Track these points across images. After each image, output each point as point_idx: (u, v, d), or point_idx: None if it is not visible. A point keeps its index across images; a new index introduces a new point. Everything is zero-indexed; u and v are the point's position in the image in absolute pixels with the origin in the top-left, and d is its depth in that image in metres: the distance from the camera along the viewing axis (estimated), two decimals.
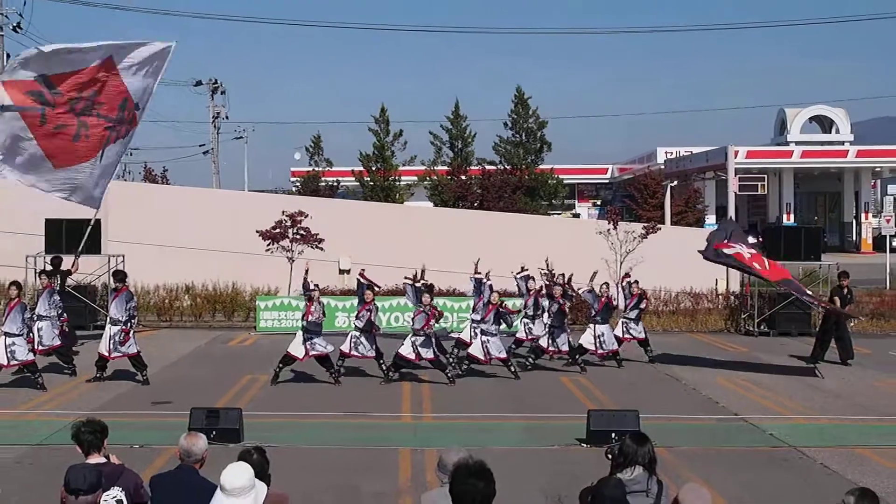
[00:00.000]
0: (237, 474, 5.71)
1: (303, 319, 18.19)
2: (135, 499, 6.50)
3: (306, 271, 18.59)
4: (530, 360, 20.04)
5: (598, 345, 20.21)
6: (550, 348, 19.90)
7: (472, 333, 19.36)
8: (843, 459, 12.87)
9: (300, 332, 18.05)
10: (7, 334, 17.17)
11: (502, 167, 64.96)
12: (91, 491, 5.64)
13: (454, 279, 26.10)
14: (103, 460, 6.50)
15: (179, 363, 20.87)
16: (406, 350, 18.20)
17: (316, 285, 18.38)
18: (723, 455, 13.20)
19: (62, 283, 22.67)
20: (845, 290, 21.96)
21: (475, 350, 18.81)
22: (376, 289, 19.15)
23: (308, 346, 17.80)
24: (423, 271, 19.58)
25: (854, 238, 69.96)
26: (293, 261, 25.93)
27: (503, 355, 18.81)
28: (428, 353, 18.25)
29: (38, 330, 17.94)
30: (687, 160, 69.58)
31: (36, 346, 17.82)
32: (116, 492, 6.33)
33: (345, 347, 18.43)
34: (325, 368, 18.13)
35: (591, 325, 20.46)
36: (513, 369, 18.88)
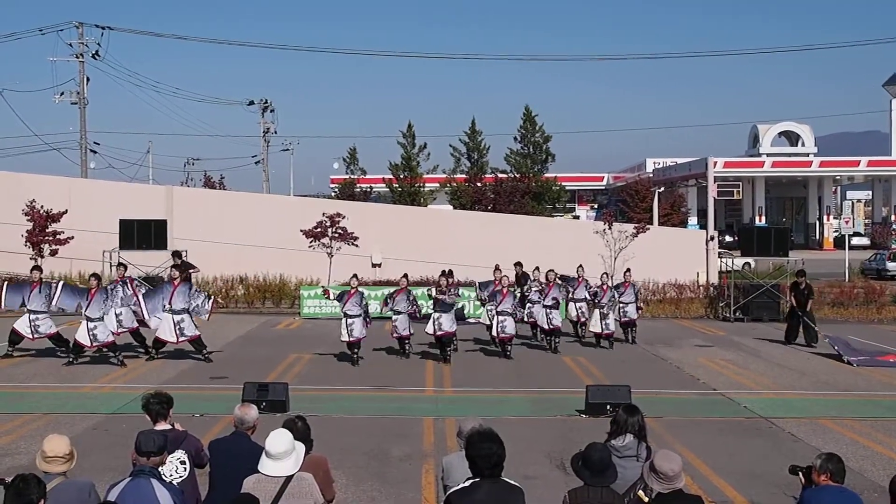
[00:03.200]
0: (278, 440, 5.67)
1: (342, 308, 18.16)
2: (196, 460, 6.53)
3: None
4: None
5: (603, 327, 20.33)
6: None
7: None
8: (807, 428, 12.78)
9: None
10: (89, 319, 17.13)
11: (513, 175, 64.86)
12: (158, 453, 5.64)
13: (470, 271, 26.06)
14: (169, 427, 6.50)
15: (234, 344, 20.91)
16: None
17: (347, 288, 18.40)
18: (703, 424, 13.11)
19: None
20: (802, 287, 21.78)
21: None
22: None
23: (348, 331, 17.79)
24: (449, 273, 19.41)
25: (817, 237, 69.69)
26: (332, 256, 25.95)
27: (511, 333, 18.81)
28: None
29: (118, 314, 17.39)
30: (672, 169, 69.33)
31: (116, 329, 17.45)
32: (180, 454, 6.37)
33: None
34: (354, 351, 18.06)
35: (597, 310, 20.45)
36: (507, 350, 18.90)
